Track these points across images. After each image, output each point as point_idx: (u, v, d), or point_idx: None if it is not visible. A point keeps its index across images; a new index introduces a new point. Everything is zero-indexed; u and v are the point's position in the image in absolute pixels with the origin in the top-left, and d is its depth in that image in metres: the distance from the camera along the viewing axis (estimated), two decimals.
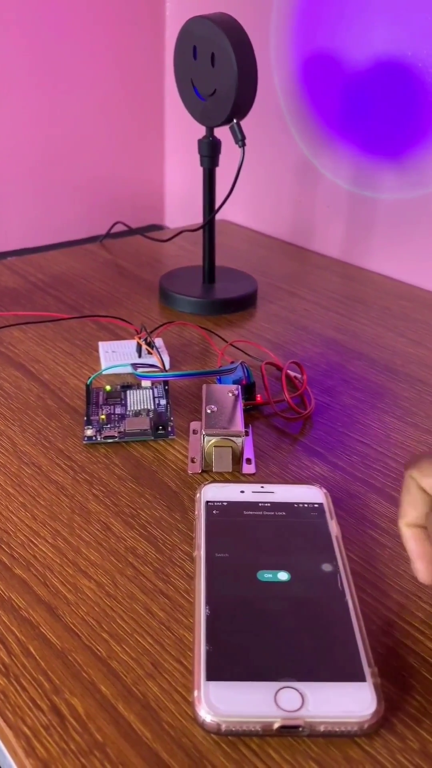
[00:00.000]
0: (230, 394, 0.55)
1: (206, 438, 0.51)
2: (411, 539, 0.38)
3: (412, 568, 0.39)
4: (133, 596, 0.42)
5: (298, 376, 0.63)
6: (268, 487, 0.47)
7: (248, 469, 0.52)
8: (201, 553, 0.42)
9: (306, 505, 0.45)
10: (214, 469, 0.52)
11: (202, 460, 0.52)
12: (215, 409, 0.53)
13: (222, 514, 0.45)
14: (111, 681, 0.37)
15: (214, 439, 0.51)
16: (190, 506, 0.49)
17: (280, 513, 0.45)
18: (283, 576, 0.40)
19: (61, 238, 1.08)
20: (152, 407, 0.58)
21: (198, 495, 0.47)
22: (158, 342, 0.67)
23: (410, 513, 0.38)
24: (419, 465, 0.37)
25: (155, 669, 0.37)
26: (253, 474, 0.52)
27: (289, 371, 0.64)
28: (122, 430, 0.56)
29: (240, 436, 0.51)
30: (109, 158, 1.11)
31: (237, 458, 0.52)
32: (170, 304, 0.79)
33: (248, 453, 0.54)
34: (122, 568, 0.44)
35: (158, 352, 0.63)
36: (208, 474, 0.52)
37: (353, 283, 0.88)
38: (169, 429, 0.56)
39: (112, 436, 0.55)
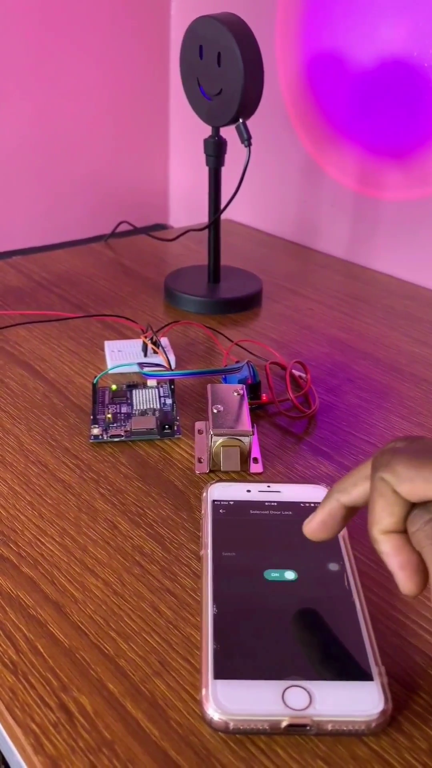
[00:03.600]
0: (235, 394, 0.55)
1: (214, 438, 0.51)
2: (389, 548, 0.34)
3: (395, 579, 0.34)
4: (141, 595, 0.42)
5: (303, 375, 0.63)
6: (274, 486, 0.47)
7: (256, 468, 0.53)
8: (208, 551, 0.42)
9: (312, 505, 0.45)
10: (222, 469, 0.52)
11: (210, 460, 0.52)
12: (221, 408, 0.53)
13: (228, 513, 0.45)
14: (119, 679, 0.37)
15: (221, 439, 0.51)
16: (196, 505, 0.49)
17: (287, 512, 0.45)
18: (289, 575, 0.40)
19: (65, 237, 1.08)
20: (158, 406, 0.58)
21: (204, 494, 0.47)
22: (164, 341, 0.67)
23: (385, 519, 0.34)
24: (393, 467, 0.33)
25: (163, 667, 0.37)
26: (261, 473, 0.52)
27: (294, 371, 0.64)
28: (128, 429, 0.56)
29: (248, 436, 0.51)
30: (114, 158, 1.11)
31: (244, 458, 0.52)
32: (175, 304, 0.79)
33: (255, 452, 0.54)
34: (129, 567, 0.44)
35: (164, 352, 0.63)
36: (214, 473, 0.52)
37: (358, 283, 0.88)
38: (175, 428, 0.56)
39: (119, 435, 0.55)
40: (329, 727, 0.33)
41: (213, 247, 0.81)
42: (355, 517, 0.48)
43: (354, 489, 0.36)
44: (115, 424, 0.56)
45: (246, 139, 0.71)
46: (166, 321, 0.74)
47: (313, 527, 0.38)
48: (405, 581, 0.34)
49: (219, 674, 0.35)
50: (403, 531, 0.34)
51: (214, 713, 0.33)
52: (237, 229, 1.06)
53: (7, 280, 0.85)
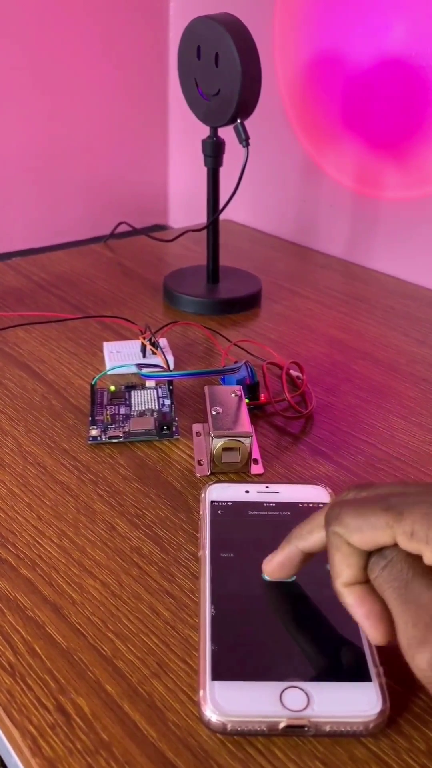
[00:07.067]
0: (233, 395, 0.55)
1: (214, 440, 0.51)
2: (353, 600, 0.34)
3: (363, 630, 0.35)
4: (139, 596, 0.42)
5: (300, 375, 0.63)
6: (272, 486, 0.47)
7: (256, 469, 0.52)
8: (206, 552, 0.42)
9: (311, 505, 0.45)
10: (223, 471, 0.52)
11: (210, 462, 0.52)
12: (220, 410, 0.53)
13: (227, 514, 0.45)
14: (116, 680, 0.37)
15: (222, 441, 0.51)
16: (194, 506, 0.49)
17: (285, 513, 0.45)
18: None
19: (65, 238, 1.08)
20: (156, 407, 0.58)
21: (203, 495, 0.47)
22: (162, 342, 0.67)
23: (345, 572, 0.34)
24: (341, 520, 0.34)
25: (161, 668, 0.37)
26: (261, 474, 0.52)
27: (292, 371, 0.64)
28: (127, 430, 0.56)
29: (248, 437, 0.51)
30: (112, 159, 1.11)
31: (245, 459, 0.52)
32: (174, 304, 0.79)
33: (255, 453, 0.54)
34: (127, 568, 0.44)
35: (162, 352, 0.63)
36: (213, 474, 0.52)
37: (357, 283, 0.88)
38: (174, 429, 0.56)
39: (117, 436, 0.55)
40: (327, 728, 0.33)
41: (212, 247, 0.81)
42: None
43: (310, 536, 0.37)
44: (113, 426, 0.56)
45: (244, 140, 0.70)
46: (165, 321, 0.74)
47: (272, 567, 0.39)
48: (371, 630, 0.34)
49: (217, 675, 0.35)
50: (365, 581, 0.34)
51: (211, 714, 0.33)
52: (236, 229, 1.06)
53: (6, 282, 0.85)
